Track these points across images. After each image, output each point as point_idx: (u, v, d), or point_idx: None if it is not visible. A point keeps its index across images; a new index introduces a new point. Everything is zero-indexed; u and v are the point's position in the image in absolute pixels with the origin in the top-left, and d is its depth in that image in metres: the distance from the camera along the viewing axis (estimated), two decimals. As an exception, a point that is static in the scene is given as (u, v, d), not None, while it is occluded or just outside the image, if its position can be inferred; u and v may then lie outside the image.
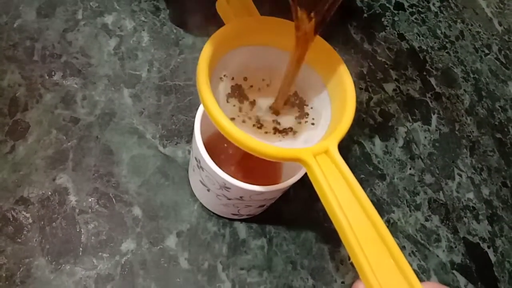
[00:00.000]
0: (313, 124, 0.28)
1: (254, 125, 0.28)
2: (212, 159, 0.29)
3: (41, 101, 0.38)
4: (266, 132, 0.28)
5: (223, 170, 0.28)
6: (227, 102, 0.28)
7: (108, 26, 0.43)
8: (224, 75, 0.28)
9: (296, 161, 0.24)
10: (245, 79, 0.29)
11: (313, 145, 0.25)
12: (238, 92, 0.29)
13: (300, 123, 0.29)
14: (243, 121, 0.28)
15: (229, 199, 0.31)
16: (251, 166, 0.35)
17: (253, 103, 0.29)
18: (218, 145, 0.35)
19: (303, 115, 0.29)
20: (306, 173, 0.30)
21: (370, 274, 0.20)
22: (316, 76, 0.30)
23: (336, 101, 0.28)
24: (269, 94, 0.29)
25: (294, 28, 0.26)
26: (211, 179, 0.30)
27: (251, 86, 0.29)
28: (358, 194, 0.22)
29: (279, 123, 0.28)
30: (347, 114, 0.26)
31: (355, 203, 0.22)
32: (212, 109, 0.24)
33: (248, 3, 0.29)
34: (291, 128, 0.28)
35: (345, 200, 0.22)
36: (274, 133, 0.28)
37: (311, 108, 0.29)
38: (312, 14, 0.24)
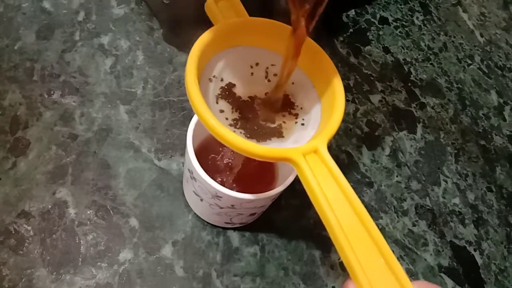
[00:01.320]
0: (302, 124, 0.29)
1: (244, 126, 0.28)
2: (207, 170, 0.30)
3: (41, 119, 0.40)
4: (256, 133, 0.28)
5: (219, 180, 0.30)
6: (217, 103, 0.28)
7: (104, 46, 0.45)
8: (214, 76, 0.29)
9: (286, 161, 0.24)
10: (235, 80, 0.30)
11: (302, 145, 0.25)
12: (227, 93, 0.29)
13: (289, 123, 0.29)
14: (233, 122, 0.28)
15: (221, 207, 0.33)
16: (246, 174, 0.36)
17: (243, 104, 0.29)
18: (212, 155, 0.37)
19: (292, 115, 0.29)
20: (295, 181, 0.32)
21: (360, 273, 0.20)
22: (305, 77, 0.30)
23: (325, 101, 0.29)
24: (259, 95, 0.30)
25: (284, 29, 0.27)
26: (203, 189, 0.31)
27: (241, 87, 0.30)
28: (348, 193, 0.23)
29: (268, 124, 0.29)
30: (336, 113, 0.26)
31: (345, 202, 0.23)
32: (200, 108, 0.24)
33: (237, 4, 0.30)
34: (280, 128, 0.29)
35: (334, 198, 0.23)
36: (264, 134, 0.28)
37: (301, 108, 0.30)
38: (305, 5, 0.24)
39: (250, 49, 0.30)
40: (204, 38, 0.27)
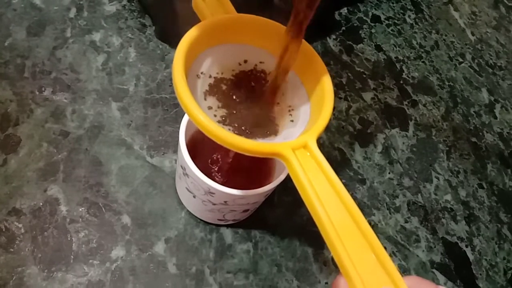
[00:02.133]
0: (292, 121, 0.29)
1: (232, 123, 0.28)
2: (200, 166, 0.30)
3: (32, 116, 0.40)
4: (244, 130, 0.28)
5: (213, 176, 0.29)
6: (205, 100, 0.28)
7: (96, 43, 0.45)
8: (202, 73, 0.28)
9: (275, 156, 0.24)
10: (223, 77, 0.29)
11: (291, 140, 0.25)
12: (216, 90, 0.29)
13: (279, 120, 0.29)
14: (221, 119, 0.28)
15: (214, 204, 0.33)
16: (241, 171, 0.36)
17: (231, 101, 0.29)
18: (204, 152, 0.36)
19: (282, 112, 0.29)
20: (288, 178, 0.32)
21: (351, 268, 0.20)
22: (293, 74, 0.30)
23: (314, 98, 0.28)
24: (248, 93, 0.30)
25: (272, 26, 0.27)
26: (196, 185, 0.31)
27: (229, 84, 0.29)
28: (338, 187, 0.22)
29: (257, 121, 0.29)
30: (326, 109, 0.26)
31: (335, 196, 0.22)
32: (188, 103, 0.24)
33: (225, 1, 0.29)
34: (269, 125, 0.28)
35: (324, 193, 0.22)
36: (253, 131, 0.28)
37: (289, 105, 0.30)
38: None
39: (238, 46, 0.30)
40: (191, 34, 0.26)
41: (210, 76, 0.29)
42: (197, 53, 0.28)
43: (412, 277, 0.22)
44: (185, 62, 0.25)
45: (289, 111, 0.30)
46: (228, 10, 0.29)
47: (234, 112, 0.28)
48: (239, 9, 0.29)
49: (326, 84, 0.27)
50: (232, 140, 0.24)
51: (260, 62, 0.30)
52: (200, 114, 0.24)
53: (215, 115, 0.28)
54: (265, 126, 0.29)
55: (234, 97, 0.29)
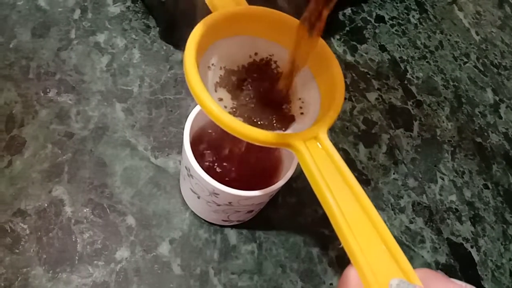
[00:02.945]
0: (302, 113, 0.29)
1: (243, 115, 0.28)
2: (206, 168, 0.30)
3: (36, 117, 0.40)
4: (255, 121, 0.28)
5: (218, 179, 0.29)
6: (215, 91, 0.28)
7: (100, 44, 0.45)
8: (212, 65, 0.28)
9: (286, 147, 0.24)
10: (234, 69, 0.29)
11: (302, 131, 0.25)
12: (226, 82, 0.29)
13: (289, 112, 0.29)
14: (232, 111, 0.28)
15: (219, 205, 0.33)
16: (246, 173, 0.36)
17: (242, 93, 0.29)
18: (210, 154, 0.36)
19: (292, 105, 0.29)
20: (292, 179, 0.32)
21: (362, 259, 0.20)
22: (305, 68, 0.30)
23: (325, 92, 0.28)
24: (258, 85, 0.30)
25: (283, 18, 0.27)
26: (200, 186, 0.31)
27: (240, 76, 0.29)
28: (348, 178, 0.23)
29: (267, 113, 0.29)
30: (336, 102, 0.26)
31: (345, 187, 0.23)
32: (198, 90, 0.23)
33: None
34: (280, 118, 0.28)
35: (335, 184, 0.22)
36: (263, 123, 0.28)
37: (299, 98, 0.30)
38: None
39: (249, 38, 0.30)
40: (203, 25, 0.26)
41: (220, 68, 0.29)
42: (208, 44, 0.28)
43: (424, 269, 0.22)
44: (196, 53, 0.25)
45: (300, 103, 0.29)
46: (239, 2, 0.29)
47: (244, 104, 0.28)
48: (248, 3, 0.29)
49: (338, 78, 0.27)
50: (243, 130, 0.24)
51: (271, 55, 0.30)
52: (213, 104, 0.23)
53: (225, 107, 0.28)
54: (275, 118, 0.28)
55: (244, 89, 0.29)
